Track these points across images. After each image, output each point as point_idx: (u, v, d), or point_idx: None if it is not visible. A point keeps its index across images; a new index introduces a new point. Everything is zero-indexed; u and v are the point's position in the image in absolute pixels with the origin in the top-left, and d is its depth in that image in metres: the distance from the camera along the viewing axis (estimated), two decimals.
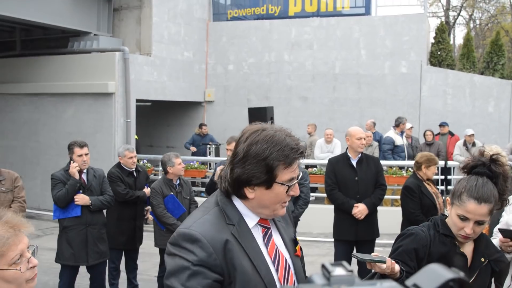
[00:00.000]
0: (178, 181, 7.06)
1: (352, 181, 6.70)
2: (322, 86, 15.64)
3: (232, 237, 2.04)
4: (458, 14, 36.99)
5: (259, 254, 2.06)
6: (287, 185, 2.07)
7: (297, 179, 2.11)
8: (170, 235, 6.40)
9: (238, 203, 2.14)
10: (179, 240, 2.04)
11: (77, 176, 6.27)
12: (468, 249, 2.81)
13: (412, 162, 11.61)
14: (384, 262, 2.47)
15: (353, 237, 6.72)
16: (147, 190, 7.31)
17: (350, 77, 15.45)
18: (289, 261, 2.14)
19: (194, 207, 6.94)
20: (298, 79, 15.81)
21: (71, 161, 6.38)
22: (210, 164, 13.58)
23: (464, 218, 2.66)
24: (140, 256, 7.71)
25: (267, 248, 2.11)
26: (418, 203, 6.31)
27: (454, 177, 11.71)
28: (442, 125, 13.52)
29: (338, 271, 0.86)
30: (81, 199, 6.30)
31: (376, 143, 12.14)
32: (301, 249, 2.25)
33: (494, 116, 14.92)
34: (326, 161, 10.99)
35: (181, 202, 6.96)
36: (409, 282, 0.87)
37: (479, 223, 2.65)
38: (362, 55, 15.41)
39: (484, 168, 2.69)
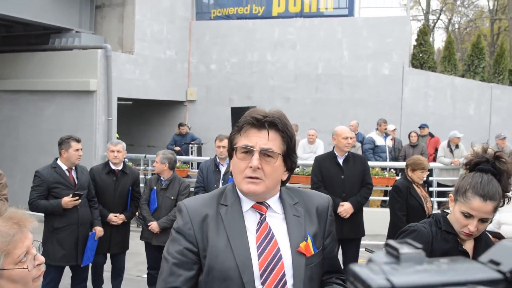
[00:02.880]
0: (168, 178, 6.98)
1: (338, 180, 6.69)
2: (305, 87, 15.64)
3: (217, 215, 2.13)
4: (438, 18, 37.41)
5: (240, 235, 2.09)
6: (235, 147, 2.12)
7: (263, 150, 2.07)
8: (147, 227, 6.44)
9: None
10: (176, 211, 2.26)
11: (67, 206, 6.12)
12: (468, 246, 2.77)
13: (394, 164, 11.88)
14: None
15: (338, 235, 6.67)
16: (110, 217, 6.87)
17: (332, 77, 15.47)
18: (284, 253, 2.08)
19: None
20: (280, 79, 15.78)
21: (61, 156, 6.25)
22: (192, 164, 13.49)
23: (468, 215, 2.61)
24: None
25: (256, 233, 2.11)
26: (404, 205, 6.30)
27: (436, 178, 11.79)
28: (422, 126, 13.59)
29: (406, 249, 0.83)
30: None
31: (359, 144, 12.16)
32: (316, 248, 2.17)
33: (474, 119, 15.05)
34: (308, 162, 11.09)
35: (161, 200, 6.96)
36: (483, 258, 0.84)
37: (483, 220, 2.62)
38: (345, 56, 15.44)
39: (488, 165, 2.64)
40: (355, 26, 15.46)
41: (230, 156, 2.18)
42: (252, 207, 2.16)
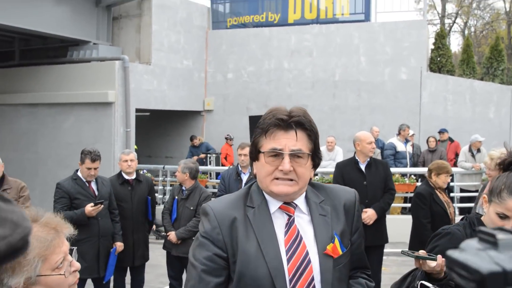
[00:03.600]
0: (189, 187, 6.94)
1: (361, 186, 6.56)
2: (322, 94, 15.57)
3: (245, 218, 2.06)
4: (454, 22, 37.15)
5: (271, 239, 2.02)
6: (263, 152, 2.05)
7: (293, 151, 2.03)
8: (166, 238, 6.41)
9: None
10: (200, 214, 2.16)
11: (90, 215, 6.07)
12: None
13: (415, 170, 11.76)
14: (435, 259, 2.43)
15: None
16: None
17: (350, 84, 15.39)
18: (313, 256, 2.04)
19: (196, 220, 6.68)
20: (298, 87, 15.74)
21: (81, 167, 6.28)
22: (210, 174, 13.48)
23: (504, 216, 2.51)
24: None
25: (285, 236, 2.05)
26: (428, 212, 6.20)
27: (458, 184, 11.64)
28: (441, 131, 13.49)
29: (502, 235, 0.78)
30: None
31: (378, 150, 12.05)
32: (344, 247, 2.13)
33: (495, 122, 14.88)
34: (328, 169, 11.02)
35: (181, 210, 6.91)
36: None
37: None
38: (362, 62, 15.35)
39: None
40: (372, 31, 15.38)
41: (255, 159, 2.13)
42: (279, 208, 2.10)
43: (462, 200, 11.67)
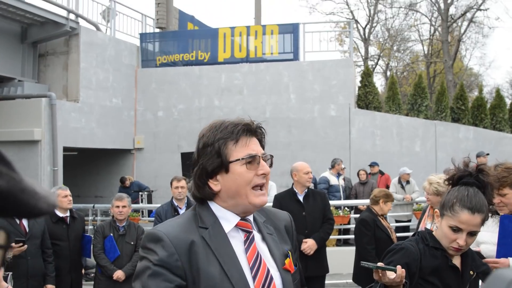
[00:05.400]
0: (124, 224, 6.72)
1: (300, 216, 6.52)
2: None
3: (201, 240, 1.91)
4: (376, 63, 38.57)
5: (232, 259, 1.91)
6: (241, 159, 1.94)
7: (262, 156, 1.98)
8: (106, 278, 6.02)
9: (214, 206, 2.01)
10: (145, 241, 1.93)
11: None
12: (456, 262, 2.72)
13: (349, 202, 11.90)
14: (395, 271, 2.42)
15: (303, 272, 6.51)
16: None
17: (280, 121, 15.53)
18: (274, 273, 1.97)
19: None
20: None
21: None
22: (142, 212, 13.17)
23: (457, 229, 2.57)
24: None
25: (246, 254, 1.95)
26: (372, 238, 6.24)
27: (390, 214, 11.82)
28: (372, 165, 13.80)
29: None
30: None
31: (311, 185, 12.13)
32: (296, 265, 2.09)
33: (421, 155, 15.34)
34: None
35: (121, 246, 6.65)
36: None
37: (471, 234, 2.58)
38: (292, 99, 15.57)
39: (471, 178, 2.63)
40: (301, 69, 15.67)
41: (220, 172, 1.96)
42: (235, 226, 1.99)
43: (397, 230, 11.87)
